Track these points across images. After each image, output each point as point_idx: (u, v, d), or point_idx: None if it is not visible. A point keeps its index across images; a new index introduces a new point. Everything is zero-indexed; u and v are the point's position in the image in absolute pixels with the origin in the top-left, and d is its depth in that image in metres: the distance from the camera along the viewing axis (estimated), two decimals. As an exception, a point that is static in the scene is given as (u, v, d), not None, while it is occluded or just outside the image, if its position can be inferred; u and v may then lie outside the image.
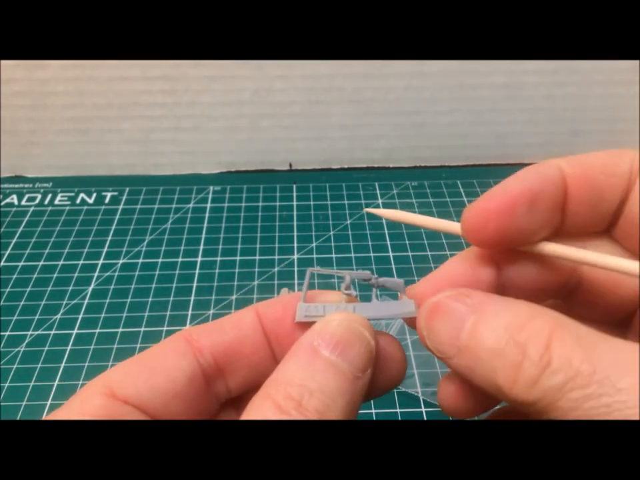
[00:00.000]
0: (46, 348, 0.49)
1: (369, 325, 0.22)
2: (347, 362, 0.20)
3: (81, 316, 0.52)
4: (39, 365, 0.48)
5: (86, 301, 0.54)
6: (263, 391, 0.20)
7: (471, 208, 0.23)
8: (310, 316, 0.23)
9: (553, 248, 0.23)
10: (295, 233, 0.61)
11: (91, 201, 0.66)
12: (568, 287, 0.25)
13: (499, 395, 0.19)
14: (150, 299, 0.54)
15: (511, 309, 0.20)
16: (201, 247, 0.60)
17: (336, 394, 0.20)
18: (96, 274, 0.57)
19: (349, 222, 0.63)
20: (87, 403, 0.20)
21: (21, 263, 0.58)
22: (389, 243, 0.60)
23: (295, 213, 0.64)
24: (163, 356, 0.22)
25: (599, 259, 0.22)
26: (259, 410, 0.19)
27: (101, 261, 0.58)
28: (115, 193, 0.67)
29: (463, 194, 0.67)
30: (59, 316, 0.52)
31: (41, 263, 0.58)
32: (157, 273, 0.57)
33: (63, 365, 0.48)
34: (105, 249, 0.59)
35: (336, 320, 0.22)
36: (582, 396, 0.17)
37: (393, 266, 0.57)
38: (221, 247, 0.60)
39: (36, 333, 0.51)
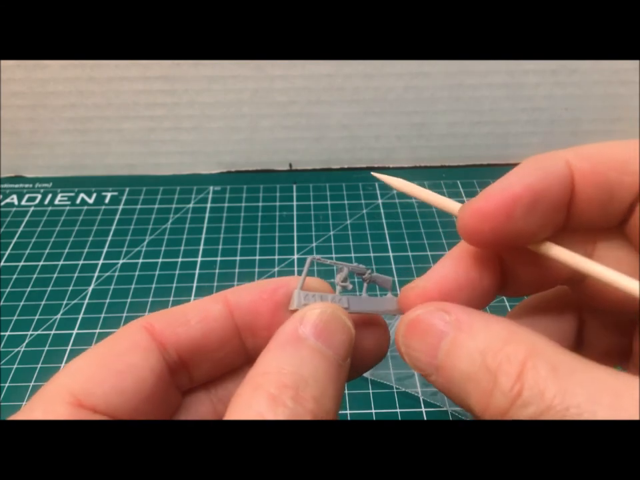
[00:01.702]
0: (46, 348, 0.49)
1: (349, 315, 0.22)
2: (331, 349, 0.20)
3: (80, 316, 0.52)
4: (39, 365, 0.48)
5: (86, 301, 0.54)
6: (250, 383, 0.19)
7: (467, 207, 0.21)
8: (308, 304, 0.22)
9: (557, 252, 0.21)
10: (295, 233, 0.61)
11: (90, 201, 0.66)
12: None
13: (474, 416, 0.19)
14: (150, 299, 0.54)
15: (489, 330, 0.19)
16: (201, 247, 0.60)
17: (327, 381, 0.19)
18: (96, 274, 0.57)
19: (348, 222, 0.63)
20: (51, 413, 0.18)
21: (21, 263, 0.58)
22: (389, 243, 0.60)
23: (294, 212, 0.64)
24: (127, 353, 0.20)
25: (605, 274, 0.20)
26: (250, 403, 0.18)
27: (101, 261, 0.58)
28: (115, 193, 0.67)
29: (463, 194, 0.67)
30: (58, 316, 0.52)
31: (41, 262, 0.58)
32: (156, 273, 0.57)
33: (62, 365, 0.48)
34: (105, 249, 0.59)
35: (318, 308, 0.21)
36: None
37: (393, 266, 0.57)
38: (220, 247, 0.60)
39: (36, 333, 0.51)
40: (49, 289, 0.55)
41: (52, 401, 0.19)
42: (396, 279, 0.54)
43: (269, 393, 0.18)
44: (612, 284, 0.20)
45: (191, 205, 0.66)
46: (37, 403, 0.19)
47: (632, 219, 0.22)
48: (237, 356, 0.23)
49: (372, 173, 0.26)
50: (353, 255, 0.58)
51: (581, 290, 0.24)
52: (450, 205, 0.23)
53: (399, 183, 0.24)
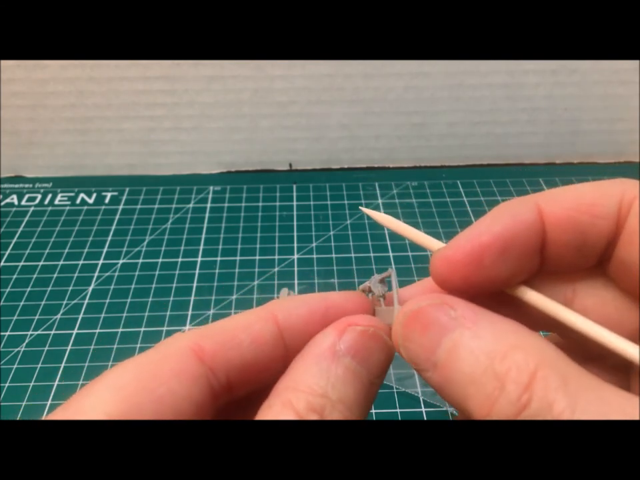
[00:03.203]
0: (46, 348, 0.49)
1: (389, 331, 0.21)
2: (366, 369, 0.20)
3: (80, 316, 0.52)
4: (39, 365, 0.48)
5: (86, 301, 0.54)
6: (281, 396, 0.19)
7: (437, 255, 0.21)
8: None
9: (532, 297, 0.21)
10: (295, 233, 0.61)
11: (90, 201, 0.66)
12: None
13: (469, 417, 0.18)
14: (150, 299, 0.54)
15: (496, 332, 0.18)
16: (201, 247, 0.60)
17: (354, 404, 0.19)
18: (96, 274, 0.57)
19: (349, 222, 0.63)
20: None
21: (21, 263, 0.58)
22: (389, 242, 0.60)
23: (295, 212, 0.64)
24: (172, 379, 0.19)
25: (582, 324, 0.19)
26: (278, 417, 0.18)
27: (101, 261, 0.58)
28: (115, 193, 0.67)
29: (463, 194, 0.66)
30: (58, 316, 0.52)
31: (41, 262, 0.58)
32: (156, 272, 0.57)
33: (62, 365, 0.48)
34: (105, 249, 0.59)
35: (361, 326, 0.20)
36: None
37: (393, 266, 0.57)
38: (220, 247, 0.60)
39: (36, 333, 0.51)
40: (49, 288, 0.55)
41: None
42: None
43: (298, 412, 0.18)
44: (584, 333, 0.19)
45: (190, 205, 0.66)
46: (72, 415, 0.18)
47: (612, 260, 0.21)
48: (279, 374, 0.22)
49: (360, 208, 0.26)
50: (352, 254, 0.58)
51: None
52: (433, 244, 0.23)
53: (384, 220, 0.24)
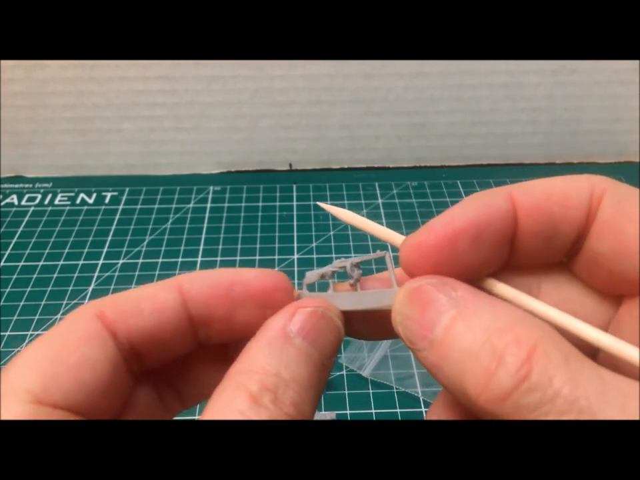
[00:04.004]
0: (46, 348, 0.49)
1: (340, 314, 0.22)
2: (318, 350, 0.20)
3: (80, 316, 0.52)
4: (39, 365, 0.48)
5: (86, 301, 0.54)
6: (233, 379, 0.19)
7: (408, 241, 0.21)
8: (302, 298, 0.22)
9: (502, 289, 0.21)
10: (295, 233, 0.61)
11: (90, 201, 0.66)
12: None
13: (465, 401, 0.18)
14: (150, 299, 0.54)
15: (496, 311, 0.18)
16: (201, 247, 0.60)
17: (308, 384, 0.19)
18: (96, 274, 0.56)
19: (349, 222, 0.63)
20: (12, 413, 0.17)
21: (21, 263, 0.58)
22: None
23: (295, 212, 0.64)
24: (83, 345, 0.19)
25: (549, 313, 0.20)
26: (232, 401, 0.18)
27: (101, 261, 0.58)
28: (115, 193, 0.67)
29: (463, 194, 0.66)
30: (58, 316, 0.52)
31: (41, 262, 0.58)
32: (157, 272, 0.57)
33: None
34: (105, 249, 0.59)
35: (310, 307, 0.21)
36: None
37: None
38: (220, 247, 0.60)
39: (36, 332, 0.51)
40: (49, 288, 0.55)
41: (11, 402, 0.18)
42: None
43: (251, 392, 0.18)
44: (557, 323, 0.19)
45: (190, 205, 0.66)
46: None
47: (580, 255, 0.21)
48: (188, 343, 0.23)
49: (318, 203, 0.26)
50: (352, 254, 0.58)
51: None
52: (393, 237, 0.23)
53: (345, 216, 0.24)
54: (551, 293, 0.22)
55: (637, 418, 0.15)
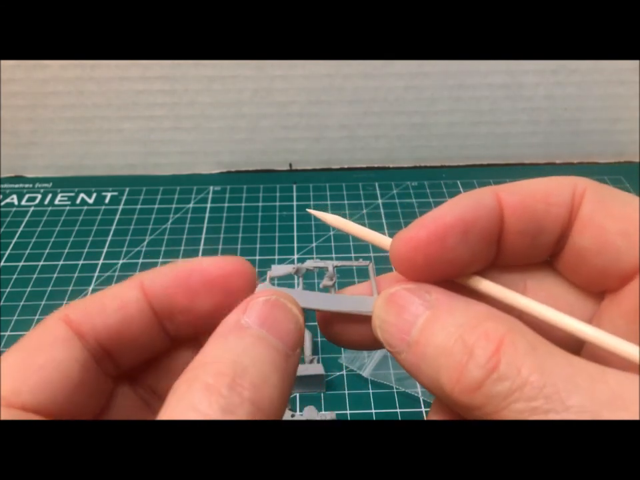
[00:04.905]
0: (46, 348, 0.49)
1: (297, 303, 0.21)
2: (278, 338, 0.19)
3: (80, 316, 0.52)
4: (39, 365, 0.48)
5: (86, 301, 0.54)
6: (186, 375, 0.18)
7: (399, 236, 0.21)
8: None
9: (487, 286, 0.22)
10: (295, 233, 0.61)
11: (90, 201, 0.66)
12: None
13: (443, 397, 0.19)
14: (150, 299, 0.54)
15: (468, 310, 0.19)
16: (201, 247, 0.60)
17: (270, 369, 0.18)
18: (96, 274, 0.56)
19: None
20: None
21: (21, 263, 0.58)
22: (388, 243, 0.60)
23: (295, 213, 0.64)
24: (48, 347, 0.20)
25: (537, 309, 0.20)
26: (184, 395, 0.17)
27: (100, 261, 0.58)
28: (115, 193, 0.67)
29: (463, 194, 0.66)
30: (58, 316, 0.52)
31: (41, 262, 0.58)
32: (156, 273, 0.57)
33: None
34: (105, 249, 0.59)
35: (263, 297, 0.20)
36: (528, 408, 0.16)
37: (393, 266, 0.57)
38: (221, 247, 0.60)
39: (36, 333, 0.51)
40: (49, 289, 0.55)
41: None
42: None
43: (205, 383, 0.17)
44: (544, 318, 0.20)
45: (190, 205, 0.66)
46: None
47: (563, 252, 0.22)
48: (160, 340, 0.23)
49: (307, 210, 0.27)
50: (352, 254, 0.58)
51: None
52: (381, 240, 0.24)
53: (333, 220, 0.25)
54: (536, 291, 0.23)
55: (605, 401, 0.16)
